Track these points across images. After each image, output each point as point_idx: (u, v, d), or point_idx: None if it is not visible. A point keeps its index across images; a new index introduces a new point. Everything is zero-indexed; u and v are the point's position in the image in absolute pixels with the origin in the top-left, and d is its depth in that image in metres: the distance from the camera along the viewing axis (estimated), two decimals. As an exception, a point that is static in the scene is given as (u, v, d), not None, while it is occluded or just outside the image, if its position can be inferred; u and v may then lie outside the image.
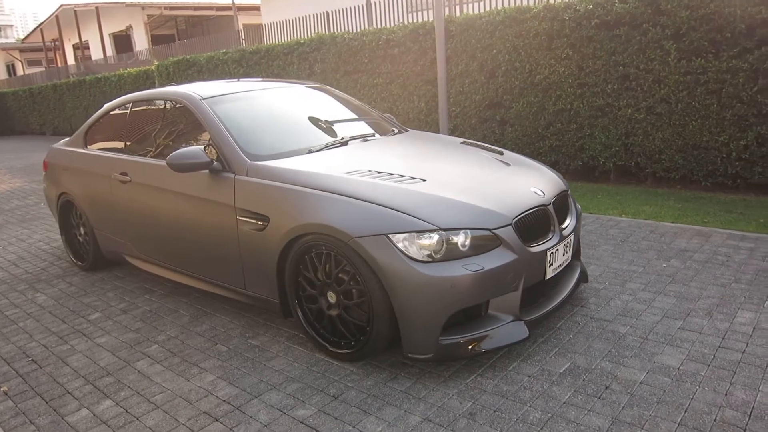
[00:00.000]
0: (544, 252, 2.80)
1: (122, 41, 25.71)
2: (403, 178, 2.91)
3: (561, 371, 2.64)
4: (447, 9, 10.24)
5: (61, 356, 3.21)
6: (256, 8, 21.97)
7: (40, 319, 3.75)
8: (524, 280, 2.70)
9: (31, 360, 3.19)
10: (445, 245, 2.54)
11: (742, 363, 2.61)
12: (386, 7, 9.92)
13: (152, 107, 4.00)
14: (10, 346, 3.40)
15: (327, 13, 10.79)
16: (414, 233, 2.54)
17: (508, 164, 3.32)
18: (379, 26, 10.40)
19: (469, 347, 2.59)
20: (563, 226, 3.08)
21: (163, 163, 3.64)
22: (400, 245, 2.53)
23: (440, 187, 2.82)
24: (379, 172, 2.97)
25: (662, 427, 2.21)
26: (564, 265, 3.04)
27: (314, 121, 3.84)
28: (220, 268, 3.36)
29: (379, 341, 2.68)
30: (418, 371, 2.74)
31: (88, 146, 4.50)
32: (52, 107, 18.48)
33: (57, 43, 29.07)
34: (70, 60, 28.60)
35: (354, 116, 4.08)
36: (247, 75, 10.16)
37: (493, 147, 3.80)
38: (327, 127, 3.78)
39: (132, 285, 4.25)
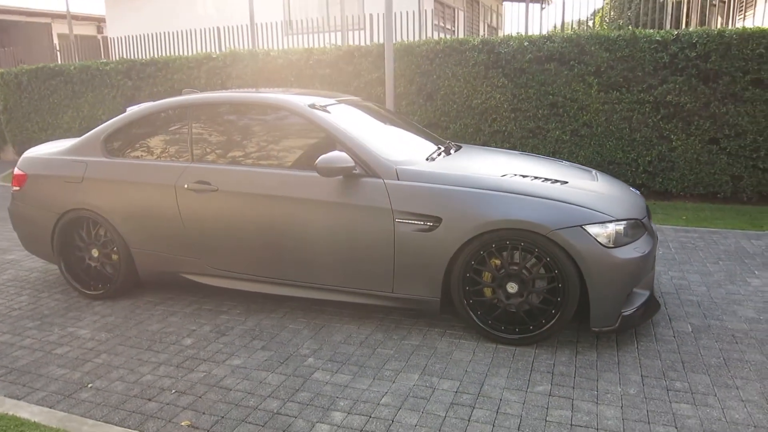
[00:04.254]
0: (657, 237, 3.46)
1: None
2: (548, 180, 3.32)
3: (689, 331, 3.30)
4: (353, 33, 10.68)
5: (208, 383, 2.88)
6: (89, 18, 19.75)
7: (118, 353, 3.24)
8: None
9: (176, 392, 2.81)
10: (615, 233, 3.03)
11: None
12: (268, 29, 9.97)
13: (229, 114, 3.73)
14: (119, 383, 2.92)
15: (218, 28, 10.40)
16: (598, 224, 2.98)
17: (590, 170, 3.92)
18: (262, 46, 10.37)
19: (641, 317, 3.09)
20: (647, 218, 3.78)
21: (275, 171, 3.48)
22: (592, 234, 2.94)
23: (585, 187, 3.30)
24: (524, 176, 3.33)
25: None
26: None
27: (394, 131, 4.00)
28: (358, 273, 3.34)
29: (564, 321, 3.04)
30: (589, 345, 3.14)
31: (112, 155, 3.95)
32: None
33: None
34: None
35: (415, 127, 4.31)
36: (137, 88, 9.27)
37: (548, 156, 4.37)
38: (411, 137, 3.98)
39: (186, 308, 3.84)
